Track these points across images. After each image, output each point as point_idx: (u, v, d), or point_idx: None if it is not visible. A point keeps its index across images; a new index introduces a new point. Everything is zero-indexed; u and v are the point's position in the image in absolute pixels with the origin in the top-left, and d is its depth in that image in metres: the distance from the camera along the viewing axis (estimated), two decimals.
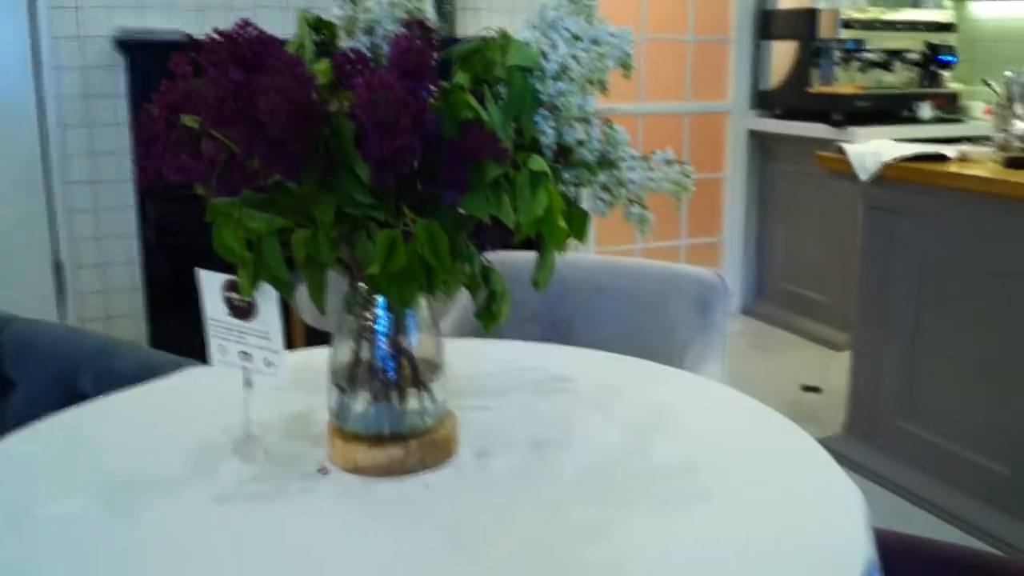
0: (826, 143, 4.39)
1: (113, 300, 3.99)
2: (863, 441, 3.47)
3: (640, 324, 2.13)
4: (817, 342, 4.93)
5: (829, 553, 1.11)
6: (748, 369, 4.65)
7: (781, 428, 1.48)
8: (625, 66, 1.36)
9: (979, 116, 4.85)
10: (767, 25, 5.12)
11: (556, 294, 2.23)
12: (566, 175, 1.34)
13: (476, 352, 1.79)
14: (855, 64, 4.89)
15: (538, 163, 1.16)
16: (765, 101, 5.21)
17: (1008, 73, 3.17)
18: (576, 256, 2.24)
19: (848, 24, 4.70)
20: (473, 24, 4.41)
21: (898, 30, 4.85)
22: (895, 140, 4.37)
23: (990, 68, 4.38)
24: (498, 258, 2.30)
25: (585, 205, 1.35)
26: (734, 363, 4.70)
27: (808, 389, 4.29)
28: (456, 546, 1.12)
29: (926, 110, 4.77)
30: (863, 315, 3.44)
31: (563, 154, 1.34)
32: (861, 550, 1.11)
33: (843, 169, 3.30)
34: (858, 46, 4.81)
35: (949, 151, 3.17)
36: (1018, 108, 3.09)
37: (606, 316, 2.18)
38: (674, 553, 1.10)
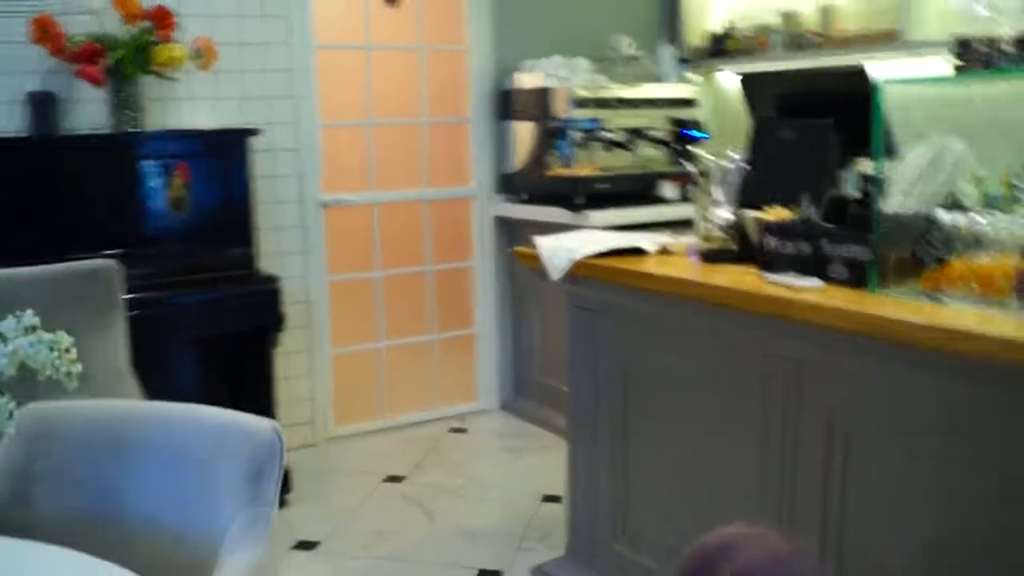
0: (568, 228, 4.09)
1: None
2: (584, 566, 3.10)
3: (187, 491, 1.69)
4: None
5: None
6: (493, 476, 4.26)
7: None
8: None
9: None
10: (506, 105, 4.84)
11: (105, 454, 1.77)
12: None
13: None
14: (597, 144, 4.63)
15: None
16: (510, 185, 4.91)
17: (708, 156, 2.90)
18: (126, 405, 1.79)
19: (582, 103, 4.45)
20: (163, 117, 3.97)
21: (638, 107, 4.63)
22: (637, 223, 4.13)
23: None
24: (34, 410, 1.83)
25: None
26: (480, 469, 4.32)
27: (550, 499, 3.92)
28: None
29: (669, 190, 4.55)
30: (575, 425, 3.10)
31: None
32: None
33: (540, 266, 2.96)
34: (597, 125, 4.56)
35: (649, 243, 2.87)
36: (718, 194, 2.82)
37: (157, 480, 1.73)
38: None
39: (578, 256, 2.80)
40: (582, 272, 2.83)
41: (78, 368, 1.06)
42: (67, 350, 1.05)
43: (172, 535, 1.70)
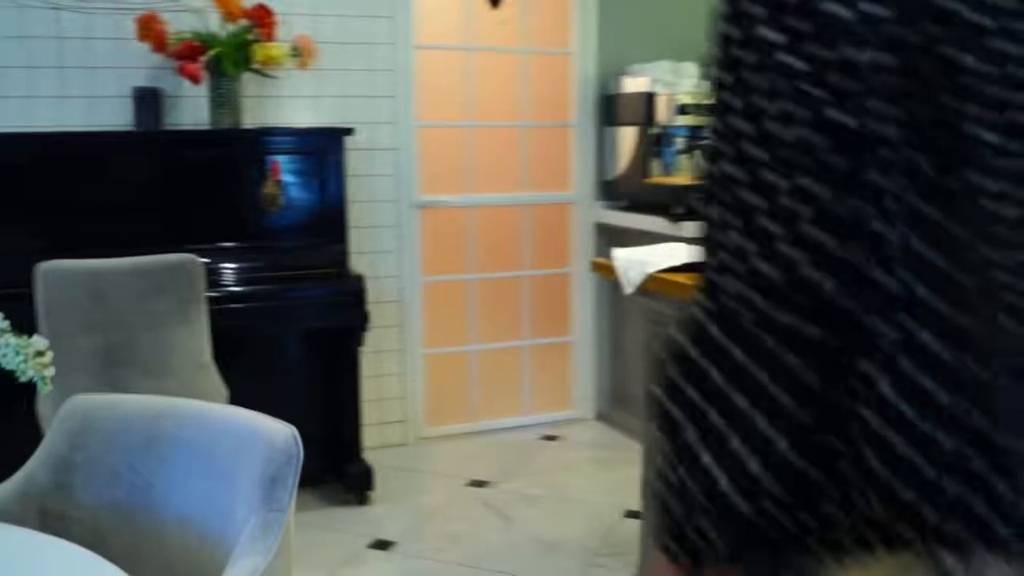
0: (666, 239, 3.99)
1: None
2: None
3: (209, 491, 1.68)
4: None
5: None
6: (580, 487, 4.18)
7: None
8: None
9: None
10: (609, 110, 4.76)
11: (138, 448, 1.78)
12: None
13: None
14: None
15: None
16: (611, 191, 4.82)
17: None
18: (162, 401, 1.80)
19: (685, 110, 4.33)
20: (263, 114, 4.03)
21: None
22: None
23: None
24: (81, 402, 1.85)
25: None
26: (566, 479, 4.25)
27: (632, 515, 3.83)
28: None
29: None
30: (649, 445, 3.00)
31: None
32: None
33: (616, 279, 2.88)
34: (698, 133, 4.43)
35: None
36: None
37: (183, 478, 1.73)
38: None
39: (650, 270, 2.71)
40: (655, 287, 2.74)
41: (51, 372, 1.05)
42: (41, 354, 1.04)
43: (196, 532, 1.70)
